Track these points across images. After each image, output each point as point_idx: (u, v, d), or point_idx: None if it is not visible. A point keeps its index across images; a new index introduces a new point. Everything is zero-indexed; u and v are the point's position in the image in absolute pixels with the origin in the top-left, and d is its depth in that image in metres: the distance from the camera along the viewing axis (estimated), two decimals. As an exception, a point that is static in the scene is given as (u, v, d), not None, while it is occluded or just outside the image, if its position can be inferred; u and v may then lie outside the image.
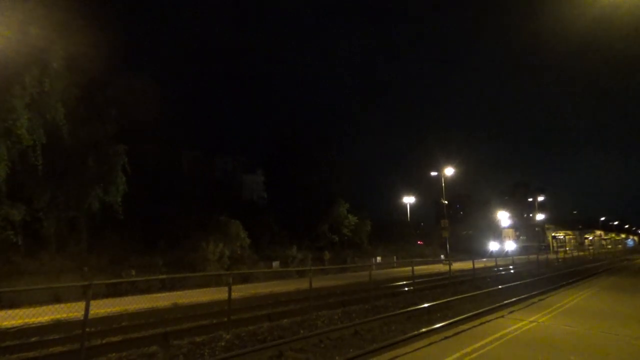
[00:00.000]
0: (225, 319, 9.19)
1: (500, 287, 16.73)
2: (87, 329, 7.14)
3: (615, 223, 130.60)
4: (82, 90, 18.16)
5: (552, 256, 37.42)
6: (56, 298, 10.58)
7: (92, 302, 7.19)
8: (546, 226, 63.82)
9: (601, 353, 6.47)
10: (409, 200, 48.78)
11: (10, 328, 8.10)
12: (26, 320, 8.38)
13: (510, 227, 63.01)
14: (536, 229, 55.57)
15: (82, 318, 7.01)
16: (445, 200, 35.31)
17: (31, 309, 9.07)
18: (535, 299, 12.38)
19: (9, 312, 8.77)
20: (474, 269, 20.57)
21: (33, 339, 7.89)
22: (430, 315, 11.01)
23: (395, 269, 22.81)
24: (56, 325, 8.53)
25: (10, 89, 14.28)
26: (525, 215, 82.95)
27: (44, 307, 9.53)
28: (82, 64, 17.08)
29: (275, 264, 23.90)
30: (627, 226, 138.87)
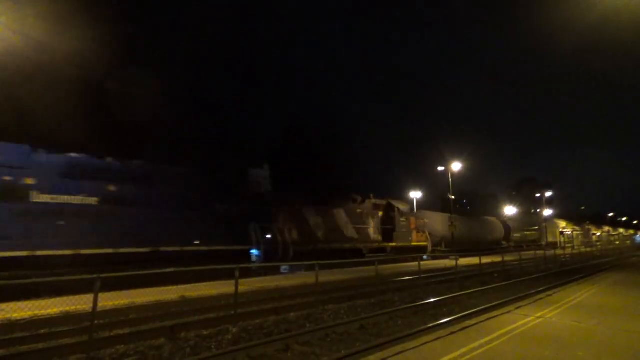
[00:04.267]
0: (232, 312, 9.24)
1: (506, 282, 16.69)
2: (95, 321, 7.22)
3: (624, 219, 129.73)
4: (88, 85, 18.30)
5: (559, 252, 37.23)
6: (65, 290, 10.67)
7: (100, 295, 7.26)
8: (555, 221, 62.40)
9: (609, 349, 6.43)
10: (415, 195, 48.70)
11: (20, 320, 8.19)
12: (35, 312, 8.46)
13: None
14: (543, 224, 54.88)
15: (90, 310, 7.08)
16: (452, 195, 35.17)
17: (40, 301, 9.16)
18: (543, 295, 12.33)
19: (18, 304, 8.86)
20: (480, 265, 20.51)
21: (42, 331, 7.97)
22: (436, 310, 11.01)
23: (402, 264, 22.74)
24: (65, 318, 8.61)
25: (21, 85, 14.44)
26: (532, 210, 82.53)
27: (53, 300, 9.62)
28: (88, 59, 17.21)
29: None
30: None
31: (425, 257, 27.27)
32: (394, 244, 26.30)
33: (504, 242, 45.16)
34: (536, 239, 53.49)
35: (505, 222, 47.95)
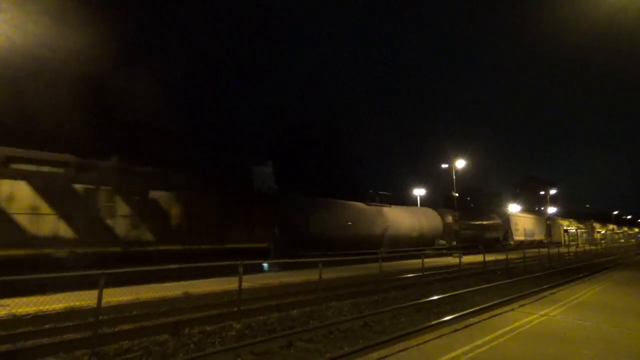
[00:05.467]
0: (236, 309, 9.27)
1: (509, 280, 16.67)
2: (100, 317, 7.26)
3: (629, 217, 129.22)
4: (89, 83, 18.35)
5: (563, 250, 37.11)
6: (69, 286, 10.74)
7: (105, 291, 7.30)
8: (559, 219, 61.43)
9: (613, 347, 6.40)
10: (419, 192, 48.62)
11: (25, 315, 8.24)
12: (40, 308, 8.52)
13: None
14: (547, 222, 54.49)
15: (94, 306, 7.11)
16: (456, 192, 35.11)
17: (45, 297, 9.21)
18: (547, 293, 12.29)
19: (24, 299, 8.92)
20: (484, 263, 20.49)
21: (47, 326, 8.02)
22: (439, 308, 11.01)
23: (405, 261, 22.74)
24: (69, 313, 8.66)
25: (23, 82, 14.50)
26: (536, 208, 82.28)
27: (57, 295, 9.66)
28: (89, 58, 17.28)
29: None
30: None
31: (265, 266, 17.82)
32: (181, 247, 15.11)
33: (441, 241, 32.66)
34: (500, 237, 41.87)
35: (451, 214, 35.42)
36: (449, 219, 34.06)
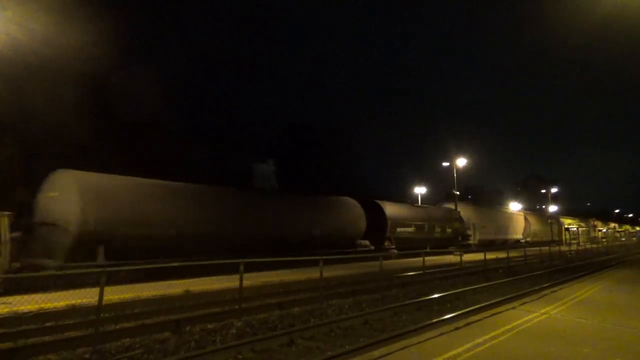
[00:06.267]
0: (237, 307, 9.28)
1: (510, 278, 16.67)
2: (101, 315, 7.27)
3: (630, 215, 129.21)
4: (90, 81, 18.39)
5: (564, 248, 37.07)
6: (71, 284, 10.75)
7: (106, 288, 7.31)
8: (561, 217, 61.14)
9: (615, 346, 6.39)
10: (420, 190, 48.62)
11: (27, 313, 8.25)
12: (42, 305, 8.52)
13: None
14: (548, 220, 54.39)
15: (96, 304, 7.12)
16: (457, 191, 35.07)
17: (47, 294, 9.22)
18: (547, 291, 12.28)
19: (25, 297, 8.93)
20: (485, 261, 20.48)
21: (49, 324, 8.02)
22: (440, 306, 11.01)
23: (406, 260, 22.70)
24: (71, 311, 8.67)
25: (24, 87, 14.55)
26: (538, 206, 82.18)
27: (59, 293, 9.68)
28: (91, 57, 17.30)
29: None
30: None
31: None
32: None
33: (362, 242, 23.49)
34: (458, 236, 32.34)
35: (380, 206, 25.71)
36: (385, 212, 25.47)
